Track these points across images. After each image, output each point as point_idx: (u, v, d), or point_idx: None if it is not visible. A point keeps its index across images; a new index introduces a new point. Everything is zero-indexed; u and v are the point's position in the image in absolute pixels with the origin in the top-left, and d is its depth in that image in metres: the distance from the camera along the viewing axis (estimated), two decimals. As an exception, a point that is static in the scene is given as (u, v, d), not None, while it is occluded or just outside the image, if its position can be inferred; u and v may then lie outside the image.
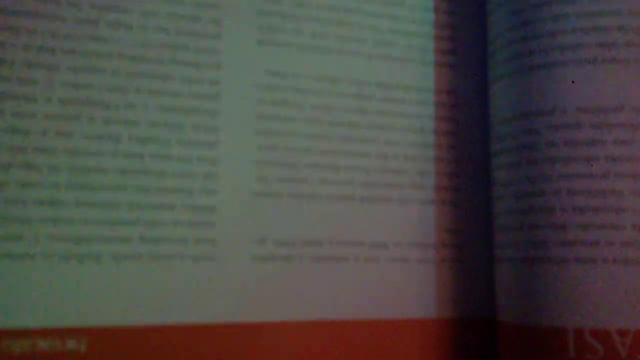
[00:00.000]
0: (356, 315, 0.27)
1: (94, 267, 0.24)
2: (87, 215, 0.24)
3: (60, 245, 0.24)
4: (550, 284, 0.24)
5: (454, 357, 0.28)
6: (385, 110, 0.29)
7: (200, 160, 0.26)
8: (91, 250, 0.24)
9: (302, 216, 0.27)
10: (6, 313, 0.23)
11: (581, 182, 0.24)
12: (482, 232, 0.29)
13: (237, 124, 0.26)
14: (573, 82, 0.25)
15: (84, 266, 0.24)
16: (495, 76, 0.27)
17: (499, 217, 0.27)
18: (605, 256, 0.24)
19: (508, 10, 0.27)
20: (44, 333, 0.23)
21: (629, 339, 0.23)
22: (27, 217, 0.23)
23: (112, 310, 0.24)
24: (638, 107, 0.24)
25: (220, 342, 0.25)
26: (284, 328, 0.26)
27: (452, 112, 0.30)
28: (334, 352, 0.26)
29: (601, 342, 0.23)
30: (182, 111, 0.26)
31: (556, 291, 0.24)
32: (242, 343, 0.25)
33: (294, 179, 0.27)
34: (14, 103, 0.24)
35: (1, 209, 0.23)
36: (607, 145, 0.24)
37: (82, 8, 0.25)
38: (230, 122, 0.26)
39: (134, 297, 0.24)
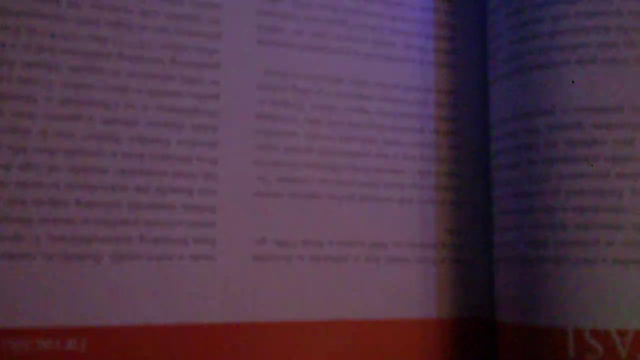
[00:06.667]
0: (356, 315, 0.27)
1: (94, 267, 0.24)
2: (87, 215, 0.24)
3: (60, 245, 0.24)
4: (550, 284, 0.24)
5: (454, 357, 0.28)
6: (385, 110, 0.29)
7: (200, 160, 0.26)
8: (91, 250, 0.24)
9: (302, 216, 0.27)
10: (6, 313, 0.23)
11: (581, 182, 0.24)
12: (482, 232, 0.29)
13: (237, 124, 0.26)
14: (573, 82, 0.25)
15: (84, 266, 0.24)
16: (495, 76, 0.27)
17: (499, 217, 0.27)
18: (605, 256, 0.24)
19: (508, 10, 0.27)
20: (44, 333, 0.23)
21: (629, 339, 0.23)
22: (27, 217, 0.23)
23: (112, 310, 0.24)
24: (638, 107, 0.24)
25: (220, 342, 0.25)
26: (284, 328, 0.26)
27: (452, 112, 0.30)
28: (334, 352, 0.26)
29: (601, 342, 0.23)
30: (182, 111, 0.26)
31: (556, 291, 0.24)
32: (242, 343, 0.25)
33: (294, 179, 0.27)
34: (14, 103, 0.24)
35: (1, 209, 0.23)
36: (607, 145, 0.24)
37: (82, 8, 0.25)
38: (230, 122, 0.26)
39: (134, 297, 0.24)
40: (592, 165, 0.24)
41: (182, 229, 0.25)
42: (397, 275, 0.28)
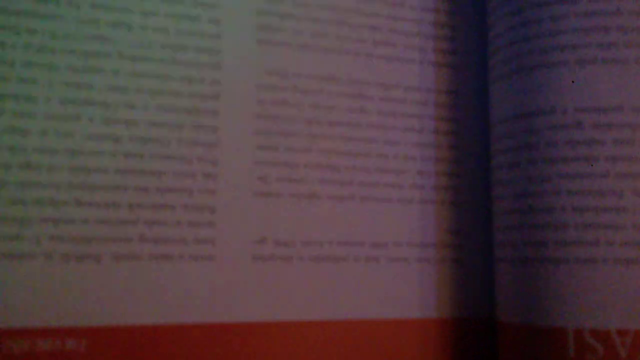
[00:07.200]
0: (356, 315, 0.27)
1: (94, 267, 0.24)
2: (87, 215, 0.24)
3: (60, 245, 0.24)
4: (550, 284, 0.24)
5: (454, 357, 0.28)
6: (385, 110, 0.29)
7: (200, 160, 0.26)
8: (91, 250, 0.24)
9: (302, 216, 0.27)
10: (6, 313, 0.23)
11: (581, 182, 0.24)
12: (482, 232, 0.29)
13: (237, 124, 0.26)
14: (573, 82, 0.25)
15: (84, 266, 0.24)
16: (495, 76, 0.27)
17: (499, 217, 0.27)
18: (605, 256, 0.24)
19: (508, 10, 0.27)
20: (44, 333, 0.23)
21: (629, 339, 0.23)
22: (27, 217, 0.23)
23: (112, 310, 0.24)
24: (638, 107, 0.24)
25: (219, 342, 0.25)
26: (283, 328, 0.26)
27: (452, 112, 0.30)
28: (334, 352, 0.26)
29: (601, 342, 0.23)
30: (182, 111, 0.26)
31: (556, 291, 0.24)
32: (241, 343, 0.25)
33: (294, 179, 0.27)
34: (14, 103, 0.24)
35: (1, 209, 0.23)
36: (607, 145, 0.24)
37: (82, 8, 0.25)
38: (230, 122, 0.26)
39: (134, 297, 0.24)
40: (592, 165, 0.24)
41: (182, 229, 0.25)
42: (397, 275, 0.28)
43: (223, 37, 0.27)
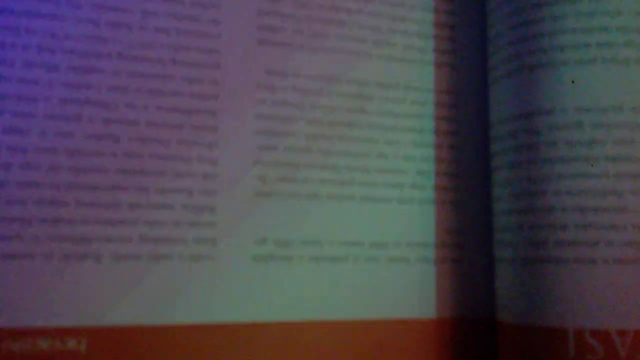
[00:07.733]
0: (356, 315, 0.27)
1: (94, 267, 0.24)
2: (87, 215, 0.24)
3: (60, 245, 0.24)
4: (550, 284, 0.24)
5: (454, 357, 0.28)
6: (385, 110, 0.29)
7: (200, 160, 0.26)
8: (91, 250, 0.24)
9: (302, 216, 0.27)
10: (6, 313, 0.23)
11: (581, 182, 0.24)
12: (482, 232, 0.29)
13: (237, 124, 0.26)
14: (573, 82, 0.25)
15: (84, 266, 0.24)
16: (495, 76, 0.27)
17: (499, 217, 0.27)
18: (605, 256, 0.24)
19: (508, 10, 0.27)
20: (44, 333, 0.23)
21: (629, 339, 0.23)
22: (27, 217, 0.23)
23: (112, 310, 0.24)
24: (638, 107, 0.24)
25: (220, 342, 0.25)
26: (283, 328, 0.26)
27: (452, 112, 0.30)
28: (334, 352, 0.26)
29: (601, 342, 0.23)
30: (182, 111, 0.26)
31: (556, 291, 0.24)
32: (242, 343, 0.25)
33: (294, 179, 0.27)
34: (14, 103, 0.24)
35: (1, 209, 0.23)
36: (607, 145, 0.24)
37: (82, 8, 0.25)
38: (230, 122, 0.26)
39: (134, 297, 0.24)
40: (592, 165, 0.24)
41: (182, 229, 0.25)
42: (397, 275, 0.28)
43: (223, 37, 0.27)
